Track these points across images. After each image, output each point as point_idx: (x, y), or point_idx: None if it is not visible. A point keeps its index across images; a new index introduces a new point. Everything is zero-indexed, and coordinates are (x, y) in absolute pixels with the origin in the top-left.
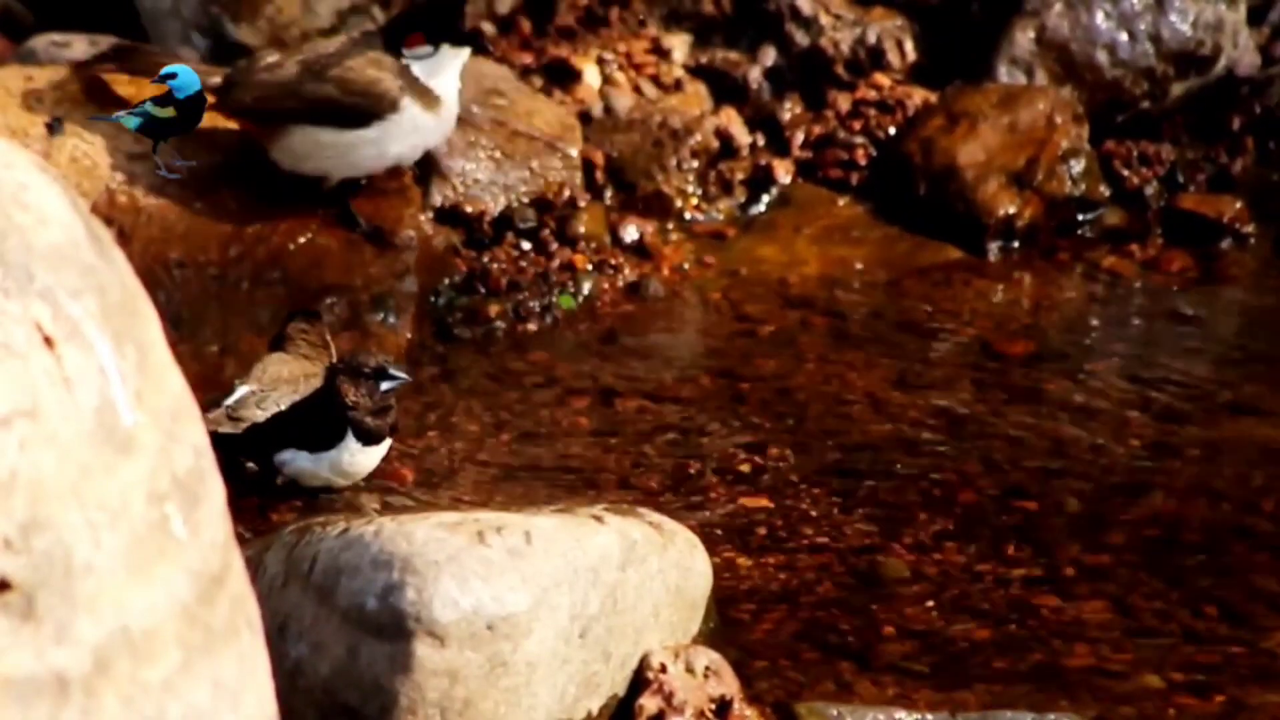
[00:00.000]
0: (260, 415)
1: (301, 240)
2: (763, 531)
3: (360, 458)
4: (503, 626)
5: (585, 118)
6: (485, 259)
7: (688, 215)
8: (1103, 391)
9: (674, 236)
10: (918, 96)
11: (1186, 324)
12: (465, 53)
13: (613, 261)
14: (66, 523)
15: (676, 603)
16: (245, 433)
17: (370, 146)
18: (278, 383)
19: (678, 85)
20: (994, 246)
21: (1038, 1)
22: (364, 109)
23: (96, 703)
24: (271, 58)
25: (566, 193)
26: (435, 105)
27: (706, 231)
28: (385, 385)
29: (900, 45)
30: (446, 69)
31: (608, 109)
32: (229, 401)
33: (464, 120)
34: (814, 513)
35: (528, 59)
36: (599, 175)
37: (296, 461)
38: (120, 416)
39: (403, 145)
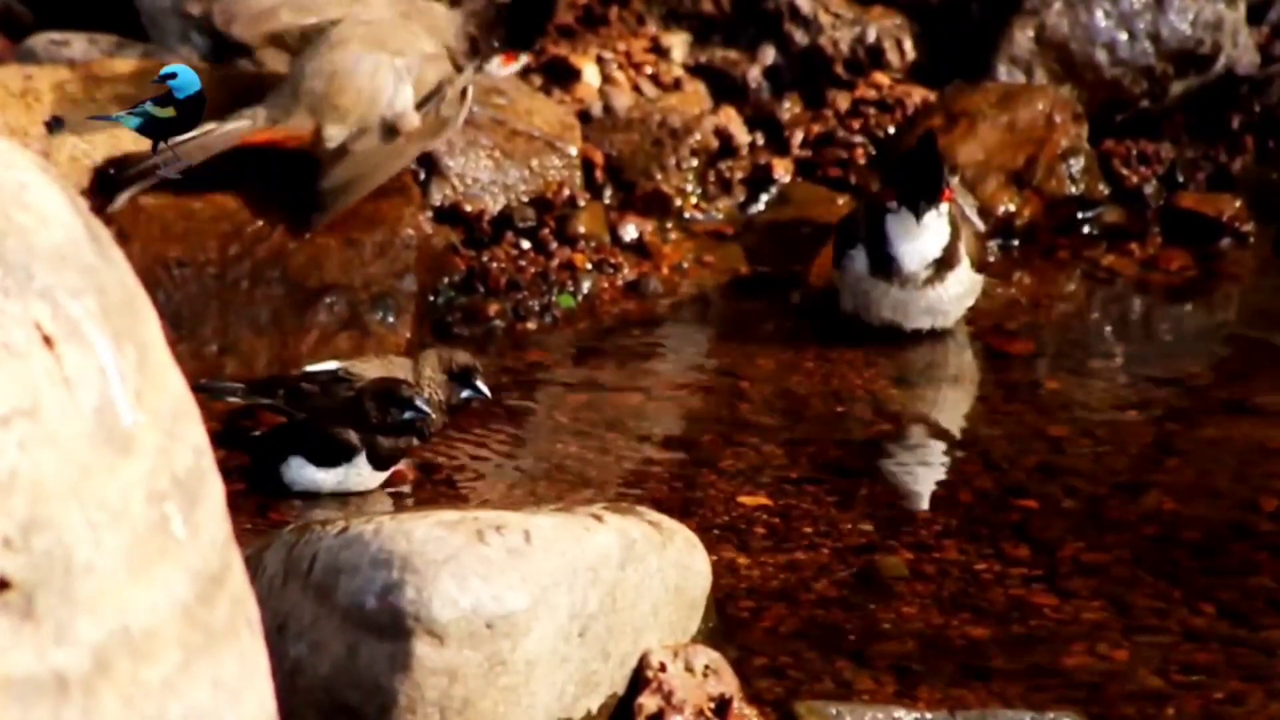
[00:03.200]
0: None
1: (302, 240)
2: (762, 530)
3: (367, 478)
4: (502, 625)
5: (584, 117)
6: (485, 258)
7: (687, 214)
8: (1102, 390)
9: (673, 235)
10: (917, 95)
11: (1186, 323)
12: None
13: (612, 260)
14: (66, 522)
15: (676, 601)
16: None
17: None
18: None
19: (677, 84)
20: (993, 245)
21: (1037, 0)
22: None
23: (96, 702)
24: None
25: (566, 192)
26: None
27: (706, 230)
28: (407, 414)
29: (899, 44)
30: None
31: (607, 108)
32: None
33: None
34: (813, 511)
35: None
36: (598, 174)
37: (302, 471)
38: (120, 416)
39: None
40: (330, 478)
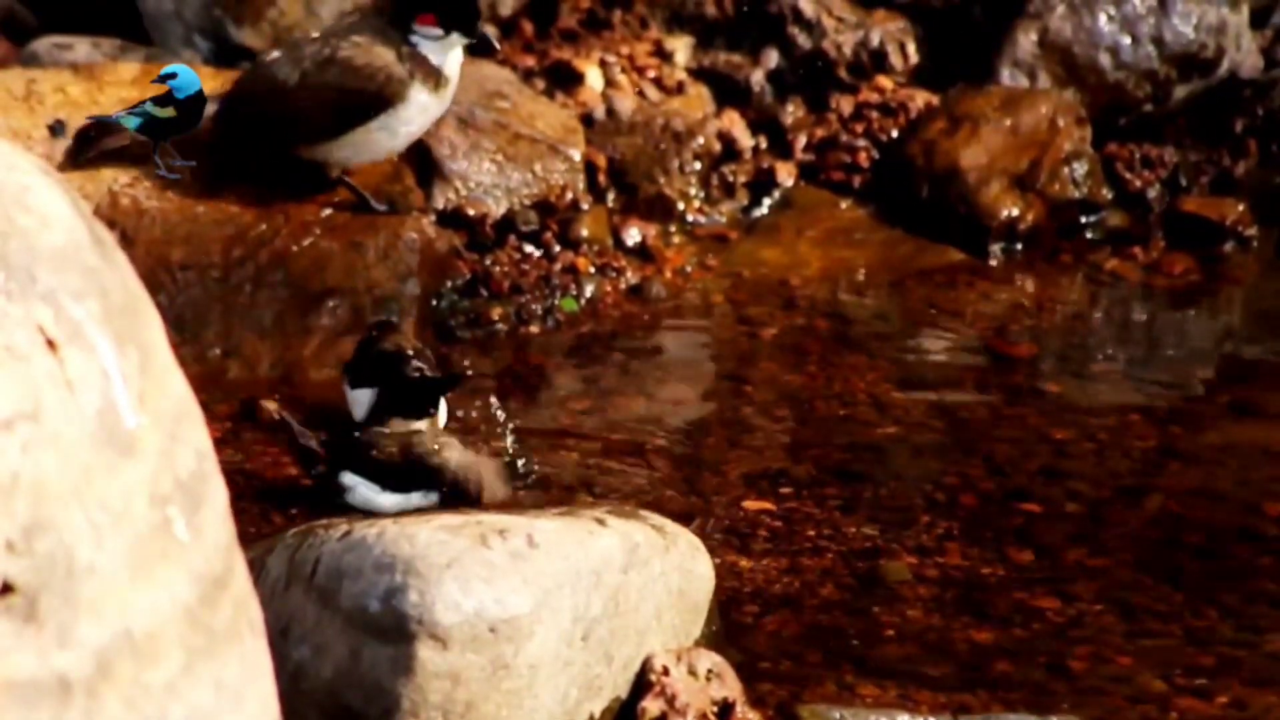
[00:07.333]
0: None
1: (305, 243)
2: (765, 534)
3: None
4: (505, 629)
5: (588, 120)
6: (487, 262)
7: (690, 218)
8: (1105, 394)
9: (676, 239)
10: (920, 99)
11: (1188, 326)
12: (468, 42)
13: (615, 264)
14: (69, 525)
15: (679, 605)
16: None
17: (381, 133)
18: None
19: (680, 88)
20: (996, 249)
21: (1040, 4)
22: (370, 103)
23: (99, 705)
24: (267, 65)
25: (569, 195)
26: (441, 85)
27: (709, 234)
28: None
29: (903, 48)
30: (453, 53)
31: (610, 112)
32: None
33: (466, 123)
34: (816, 515)
35: (530, 62)
36: (601, 178)
37: (359, 489)
38: (122, 419)
39: (412, 126)
40: (391, 502)
